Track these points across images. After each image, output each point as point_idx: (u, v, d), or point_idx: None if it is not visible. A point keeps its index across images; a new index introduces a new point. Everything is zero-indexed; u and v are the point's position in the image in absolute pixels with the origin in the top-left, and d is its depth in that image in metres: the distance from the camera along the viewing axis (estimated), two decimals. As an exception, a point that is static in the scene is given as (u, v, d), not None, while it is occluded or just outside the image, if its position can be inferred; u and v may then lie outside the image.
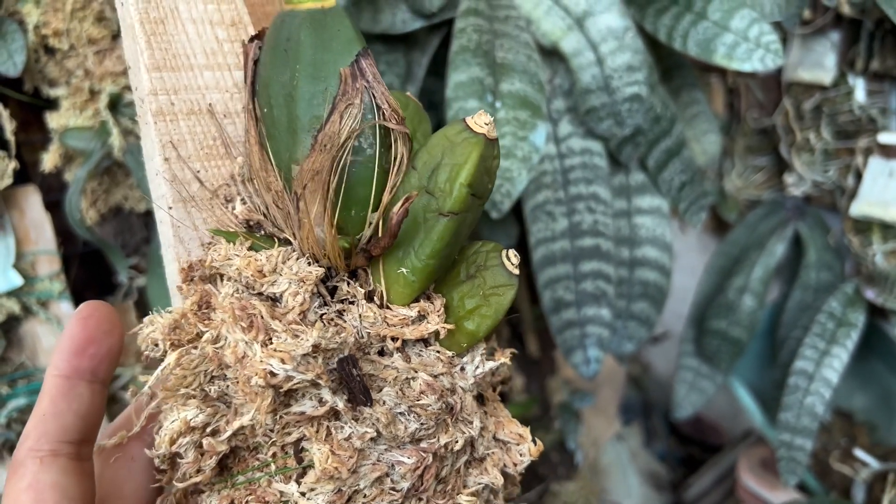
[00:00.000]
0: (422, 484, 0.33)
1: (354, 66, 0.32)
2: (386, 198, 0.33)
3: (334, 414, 0.33)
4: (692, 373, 1.20)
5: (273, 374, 0.30)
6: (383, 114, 0.32)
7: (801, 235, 1.17)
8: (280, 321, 0.31)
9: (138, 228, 0.95)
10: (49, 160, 0.86)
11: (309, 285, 0.32)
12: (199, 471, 0.33)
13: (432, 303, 0.35)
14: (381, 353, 0.34)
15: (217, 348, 0.32)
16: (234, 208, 0.36)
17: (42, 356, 0.85)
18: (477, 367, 0.36)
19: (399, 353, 0.34)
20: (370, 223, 0.33)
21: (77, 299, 0.88)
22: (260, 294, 0.33)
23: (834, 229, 1.15)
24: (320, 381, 0.31)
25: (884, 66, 1.05)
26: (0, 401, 0.80)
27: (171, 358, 0.33)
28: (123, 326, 0.35)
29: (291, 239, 0.34)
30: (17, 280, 0.82)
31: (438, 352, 0.35)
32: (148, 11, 0.36)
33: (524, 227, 0.84)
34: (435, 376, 0.34)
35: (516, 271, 0.35)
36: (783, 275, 1.24)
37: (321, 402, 0.32)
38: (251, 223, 0.36)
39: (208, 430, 0.33)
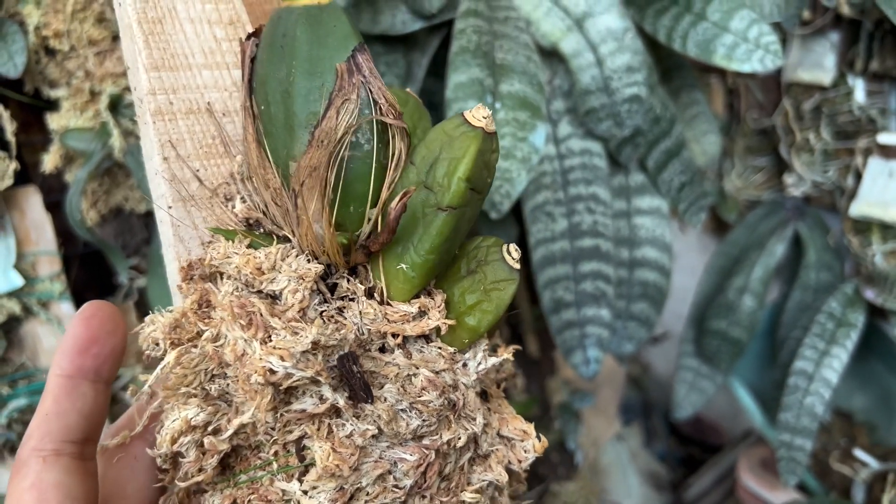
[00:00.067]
0: (425, 481, 0.33)
1: (350, 62, 0.32)
2: (384, 193, 0.33)
3: (335, 411, 0.33)
4: (692, 373, 1.20)
5: (272, 372, 0.30)
6: (380, 109, 0.32)
7: (800, 236, 1.17)
8: (279, 318, 0.31)
9: (139, 229, 0.95)
10: (50, 161, 0.86)
11: (308, 282, 0.32)
12: (200, 470, 0.33)
13: (433, 298, 0.35)
14: (382, 349, 0.34)
15: (217, 347, 0.32)
16: (233, 207, 0.36)
17: (43, 357, 0.85)
18: (479, 363, 0.36)
19: (400, 350, 0.34)
20: (369, 219, 0.33)
21: (77, 300, 0.88)
22: (259, 292, 0.33)
23: (833, 230, 1.15)
24: (320, 379, 0.31)
25: (883, 66, 1.05)
26: (1, 401, 0.81)
27: (171, 357, 0.33)
28: (126, 326, 0.35)
29: (290, 236, 0.34)
30: (17, 281, 0.82)
31: (440, 348, 0.35)
32: (146, 11, 0.36)
33: (524, 228, 0.84)
34: (436, 372, 0.34)
35: (517, 266, 0.35)
36: (783, 275, 1.24)
37: (322, 399, 0.32)
38: (251, 221, 0.36)
39: (209, 428, 0.33)
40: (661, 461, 1.61)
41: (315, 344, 0.30)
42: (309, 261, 0.33)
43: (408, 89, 0.41)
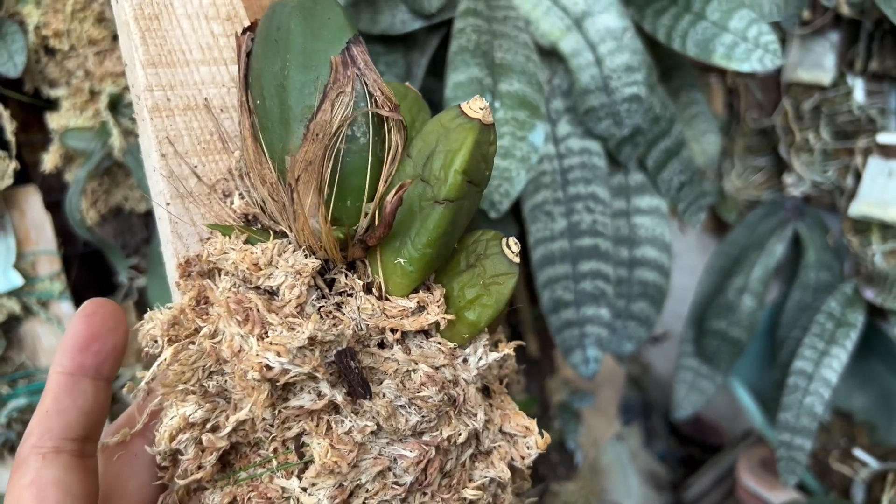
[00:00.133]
0: (425, 478, 0.33)
1: (345, 54, 0.32)
2: (381, 187, 0.33)
3: (334, 408, 0.33)
4: (692, 373, 1.20)
5: (269, 368, 0.30)
6: (376, 101, 0.32)
7: (800, 235, 1.17)
8: (276, 314, 0.31)
9: (138, 229, 0.95)
10: (49, 160, 0.86)
11: (305, 278, 0.32)
12: (200, 467, 0.33)
13: (432, 293, 0.35)
14: (381, 345, 0.34)
15: (214, 343, 0.32)
16: (232, 203, 0.36)
17: (42, 356, 0.85)
18: (480, 359, 0.35)
19: (399, 345, 0.34)
20: (366, 213, 0.33)
21: (77, 299, 0.88)
22: (257, 288, 0.33)
23: (833, 229, 1.15)
24: (318, 374, 0.31)
25: (883, 66, 1.05)
26: (0, 400, 0.80)
27: (168, 353, 0.33)
28: (127, 324, 0.35)
29: (287, 231, 0.34)
30: (17, 280, 0.82)
31: (439, 343, 0.34)
32: (142, 7, 0.36)
33: (523, 227, 0.84)
34: (436, 368, 0.33)
35: (517, 259, 0.35)
36: (782, 275, 1.24)
37: (320, 395, 0.32)
38: (249, 217, 0.36)
39: (208, 426, 0.33)
40: (661, 461, 1.61)
41: (312, 339, 0.30)
42: (306, 256, 0.33)
43: (407, 83, 0.41)
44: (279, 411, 0.32)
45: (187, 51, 0.37)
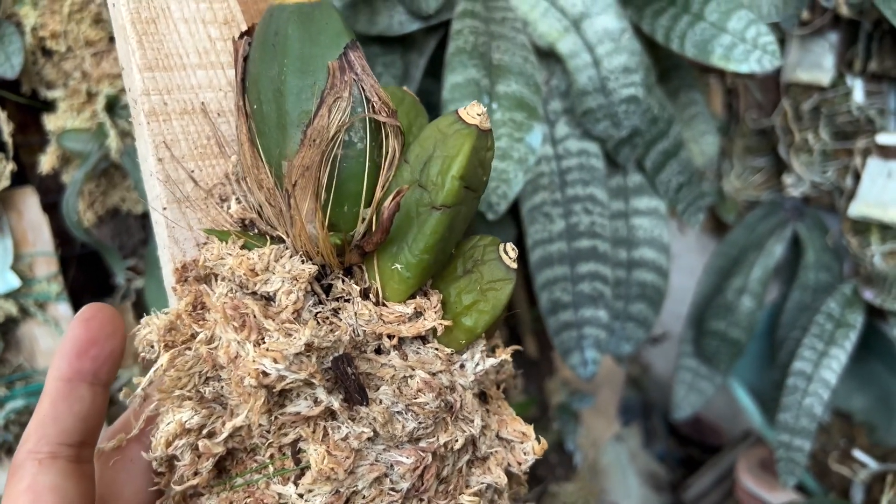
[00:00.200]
0: (422, 484, 0.33)
1: (342, 59, 0.32)
2: (378, 193, 0.33)
3: (330, 414, 0.32)
4: (691, 373, 1.20)
5: (265, 374, 0.30)
6: (373, 107, 0.32)
7: (799, 236, 1.17)
8: (273, 320, 0.31)
9: (136, 230, 0.95)
10: (47, 162, 0.86)
11: (302, 283, 0.32)
12: (196, 473, 0.33)
13: (429, 299, 0.35)
14: (378, 351, 0.34)
15: (211, 349, 0.32)
16: (228, 207, 0.36)
17: (40, 358, 0.85)
18: (477, 365, 0.35)
19: (396, 351, 0.34)
20: (363, 219, 0.33)
21: (75, 301, 0.88)
22: (253, 293, 0.33)
23: (832, 230, 1.15)
24: (314, 381, 0.31)
25: (882, 66, 1.05)
26: (-3, 403, 0.80)
27: (164, 359, 0.33)
28: (126, 329, 0.35)
29: (284, 237, 0.34)
30: (14, 282, 0.82)
31: (436, 349, 0.34)
32: (139, 11, 0.36)
33: (521, 229, 0.84)
34: (433, 374, 0.33)
35: (514, 265, 0.35)
36: (782, 275, 1.24)
37: (316, 401, 0.32)
38: (246, 222, 0.36)
39: (204, 431, 0.33)
40: (661, 462, 1.61)
41: (308, 346, 0.30)
42: (303, 262, 0.33)
43: (404, 87, 0.40)
44: (275, 417, 0.32)
45: (184, 55, 0.37)
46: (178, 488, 0.34)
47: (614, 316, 0.92)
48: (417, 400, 0.32)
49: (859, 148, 1.08)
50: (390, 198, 0.31)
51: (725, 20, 0.79)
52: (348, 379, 0.32)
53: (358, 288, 0.33)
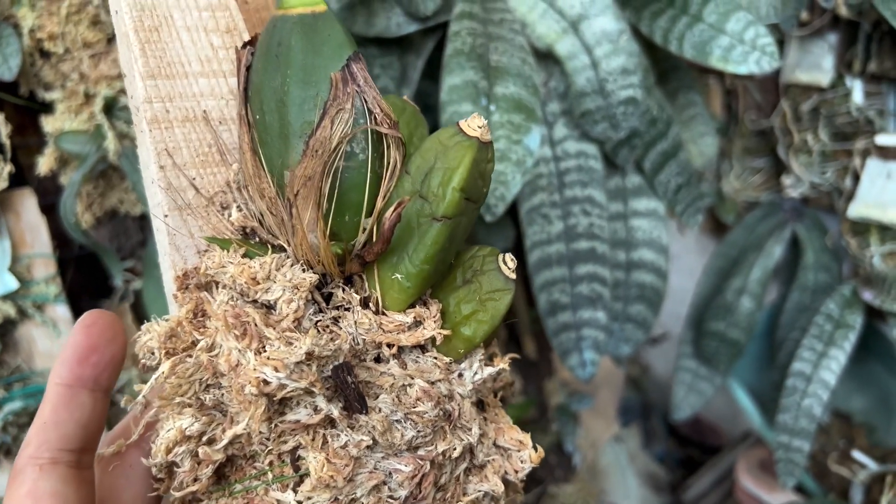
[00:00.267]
0: (420, 492, 0.33)
1: (345, 71, 0.32)
2: (379, 203, 0.33)
3: (330, 422, 0.33)
4: (691, 374, 1.20)
5: (266, 383, 0.30)
6: (375, 118, 0.32)
7: (798, 237, 1.17)
8: (274, 329, 0.31)
9: (134, 232, 0.95)
10: (44, 163, 0.86)
11: (303, 292, 0.32)
12: (195, 480, 0.33)
13: (428, 308, 0.35)
14: (378, 359, 0.34)
15: (212, 356, 0.32)
16: (229, 215, 0.36)
17: (38, 359, 0.85)
18: (475, 373, 0.36)
19: (395, 360, 0.34)
20: (364, 229, 0.33)
21: (73, 303, 0.87)
22: (254, 301, 0.33)
23: (832, 231, 1.15)
24: (314, 389, 0.31)
25: (881, 67, 1.05)
26: (-4, 405, 0.80)
27: (165, 366, 0.33)
28: (126, 335, 0.35)
29: (286, 246, 0.34)
30: (12, 283, 0.82)
31: (435, 358, 0.35)
32: (142, 19, 0.36)
33: (520, 230, 0.84)
34: (432, 383, 0.34)
35: (513, 276, 0.35)
36: (781, 276, 1.24)
37: (316, 410, 0.32)
38: (247, 230, 0.36)
39: (204, 438, 0.33)
40: (660, 462, 1.61)
41: (309, 354, 0.30)
42: (304, 270, 0.33)
43: (405, 97, 0.41)
44: (275, 425, 0.32)
45: (186, 63, 0.37)
46: (177, 494, 0.34)
47: (613, 317, 0.93)
48: (416, 408, 0.33)
49: (858, 149, 1.08)
50: (391, 208, 0.31)
51: (724, 21, 0.79)
52: (348, 387, 0.32)
53: (358, 297, 0.34)
